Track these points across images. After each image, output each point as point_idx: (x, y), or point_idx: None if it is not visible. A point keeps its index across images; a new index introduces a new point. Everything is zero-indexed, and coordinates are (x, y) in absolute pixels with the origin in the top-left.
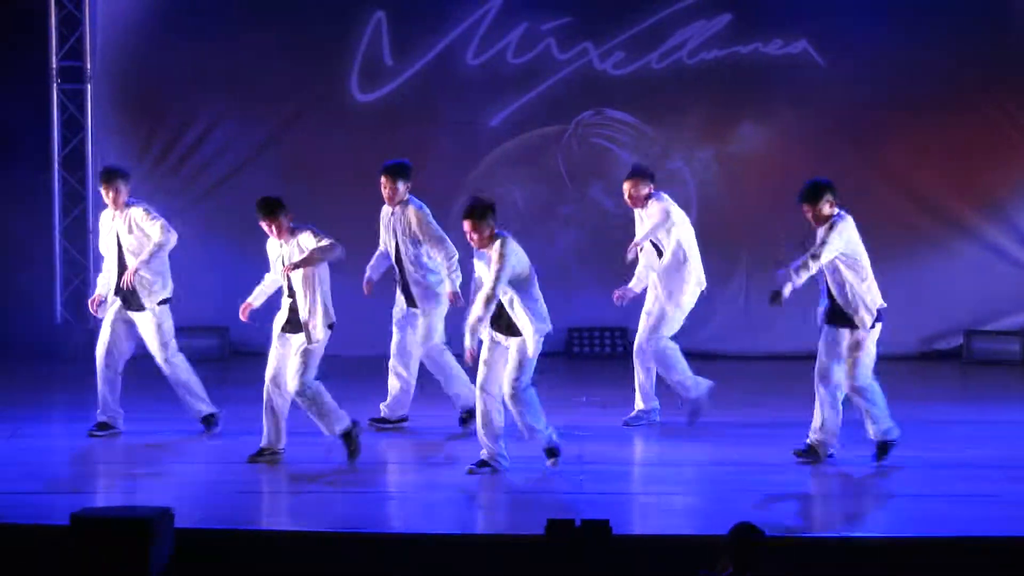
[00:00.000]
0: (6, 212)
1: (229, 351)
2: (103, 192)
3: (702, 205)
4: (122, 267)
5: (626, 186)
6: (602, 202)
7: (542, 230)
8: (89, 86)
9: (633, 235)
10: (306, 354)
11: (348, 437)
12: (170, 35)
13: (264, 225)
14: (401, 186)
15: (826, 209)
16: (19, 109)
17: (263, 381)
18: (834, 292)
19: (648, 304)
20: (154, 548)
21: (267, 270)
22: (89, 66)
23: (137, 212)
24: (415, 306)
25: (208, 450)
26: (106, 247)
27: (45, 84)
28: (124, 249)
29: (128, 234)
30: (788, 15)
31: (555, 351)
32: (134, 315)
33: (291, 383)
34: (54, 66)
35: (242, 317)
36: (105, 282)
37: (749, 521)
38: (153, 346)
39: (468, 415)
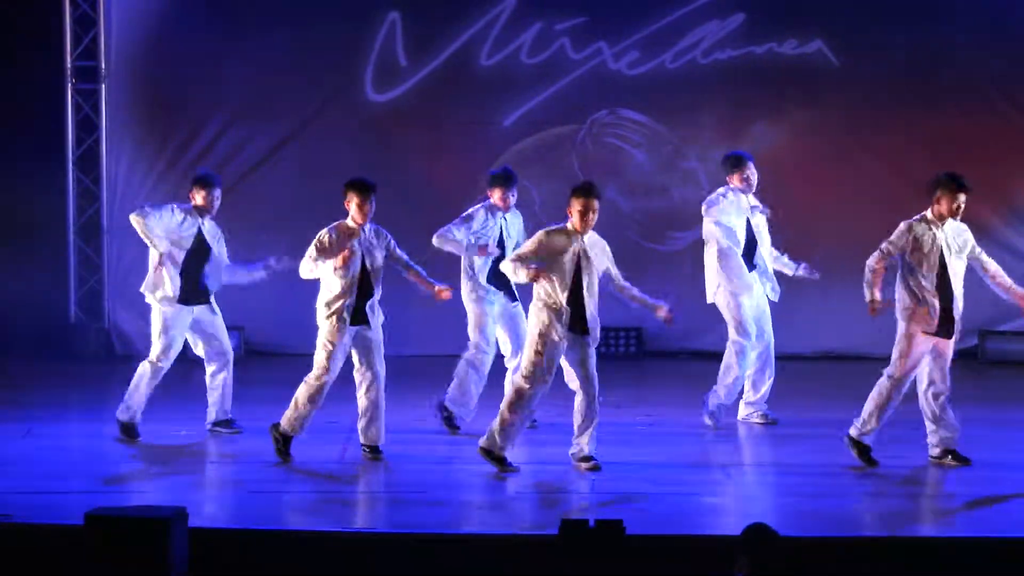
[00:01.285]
0: (21, 211)
1: (244, 350)
2: (202, 196)
3: None
4: (200, 268)
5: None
6: (617, 201)
7: None
8: (104, 86)
9: (645, 234)
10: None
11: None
12: (184, 35)
13: (357, 203)
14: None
15: None
16: (34, 109)
17: (278, 381)
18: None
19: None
20: (172, 548)
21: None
22: (104, 66)
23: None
24: (515, 300)
25: (223, 450)
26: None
27: (60, 84)
28: (215, 252)
29: (217, 242)
30: (802, 15)
31: None
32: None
33: (382, 371)
34: (69, 66)
35: None
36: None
37: (762, 522)
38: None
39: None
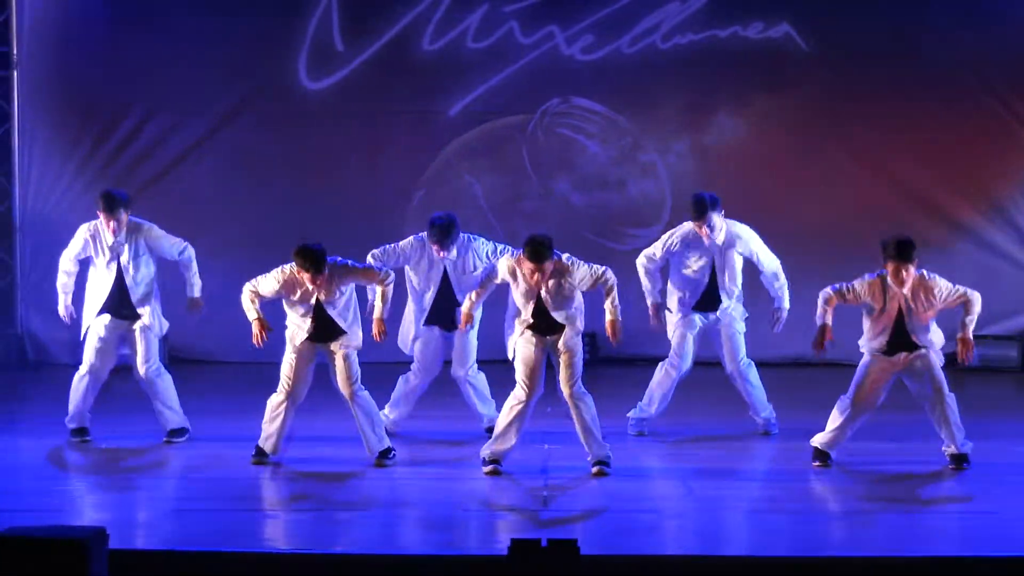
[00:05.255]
0: None
1: (168, 358)
2: (104, 219)
3: (676, 201)
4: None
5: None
6: (569, 196)
7: (505, 226)
8: (16, 72)
9: (601, 232)
10: (354, 357)
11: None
12: (104, 19)
13: (308, 278)
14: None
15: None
16: None
17: (202, 392)
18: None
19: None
20: (91, 571)
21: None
22: (16, 52)
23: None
24: (453, 329)
25: (146, 467)
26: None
27: None
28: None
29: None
30: None
31: None
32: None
33: (353, 387)
34: None
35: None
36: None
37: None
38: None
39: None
